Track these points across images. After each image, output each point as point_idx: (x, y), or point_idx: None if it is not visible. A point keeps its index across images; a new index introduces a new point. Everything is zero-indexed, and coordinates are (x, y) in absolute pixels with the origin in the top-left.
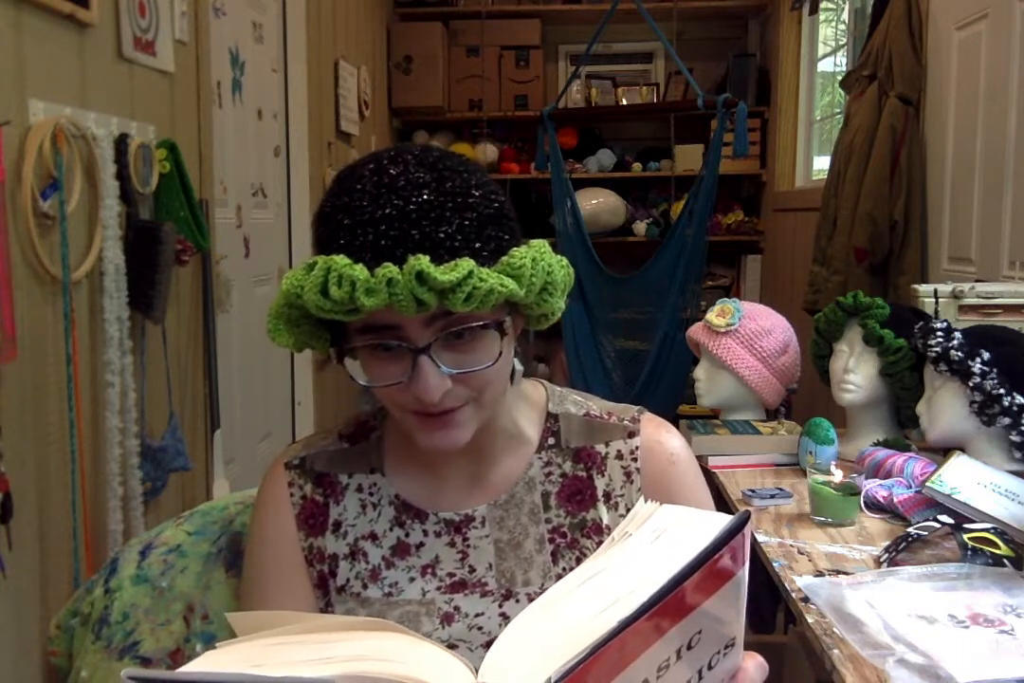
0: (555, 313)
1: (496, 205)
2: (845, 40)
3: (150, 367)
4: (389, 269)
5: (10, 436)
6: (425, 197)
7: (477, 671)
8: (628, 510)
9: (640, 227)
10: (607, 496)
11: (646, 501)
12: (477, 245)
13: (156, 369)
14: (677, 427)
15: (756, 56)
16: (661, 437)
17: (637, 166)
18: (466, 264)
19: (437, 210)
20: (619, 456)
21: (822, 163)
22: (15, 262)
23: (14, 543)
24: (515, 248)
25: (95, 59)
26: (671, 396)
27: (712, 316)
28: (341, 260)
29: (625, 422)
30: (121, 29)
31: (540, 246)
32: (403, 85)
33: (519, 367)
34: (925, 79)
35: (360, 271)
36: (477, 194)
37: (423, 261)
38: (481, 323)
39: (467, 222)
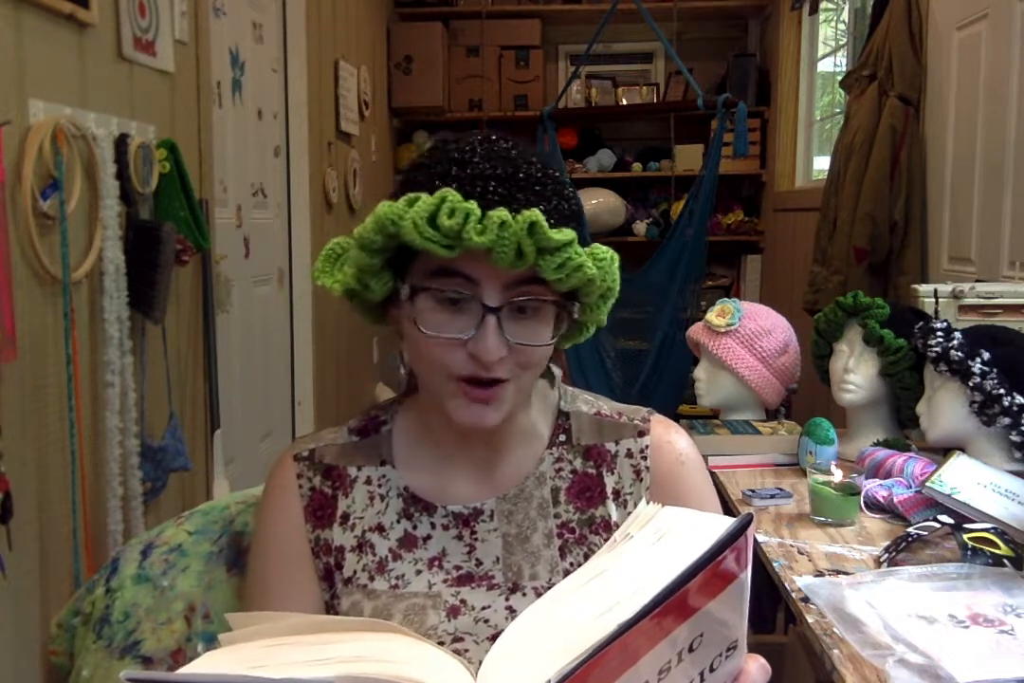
0: (593, 326)
1: (579, 207)
2: (845, 40)
3: (150, 367)
4: (503, 213)
5: (10, 436)
6: (532, 171)
7: (478, 670)
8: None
9: (640, 227)
10: (616, 493)
11: (650, 501)
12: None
13: (156, 369)
14: None
15: (756, 56)
16: (671, 437)
17: (637, 166)
18: (570, 232)
19: (540, 186)
20: (629, 454)
21: (822, 163)
22: (15, 262)
23: (14, 543)
24: (596, 244)
25: (95, 59)
26: (671, 396)
27: (712, 316)
28: (456, 194)
29: (635, 422)
30: (121, 29)
31: (614, 253)
32: (403, 85)
33: (557, 372)
34: (925, 79)
35: (475, 207)
36: (570, 191)
37: (539, 214)
38: (553, 299)
39: (562, 207)
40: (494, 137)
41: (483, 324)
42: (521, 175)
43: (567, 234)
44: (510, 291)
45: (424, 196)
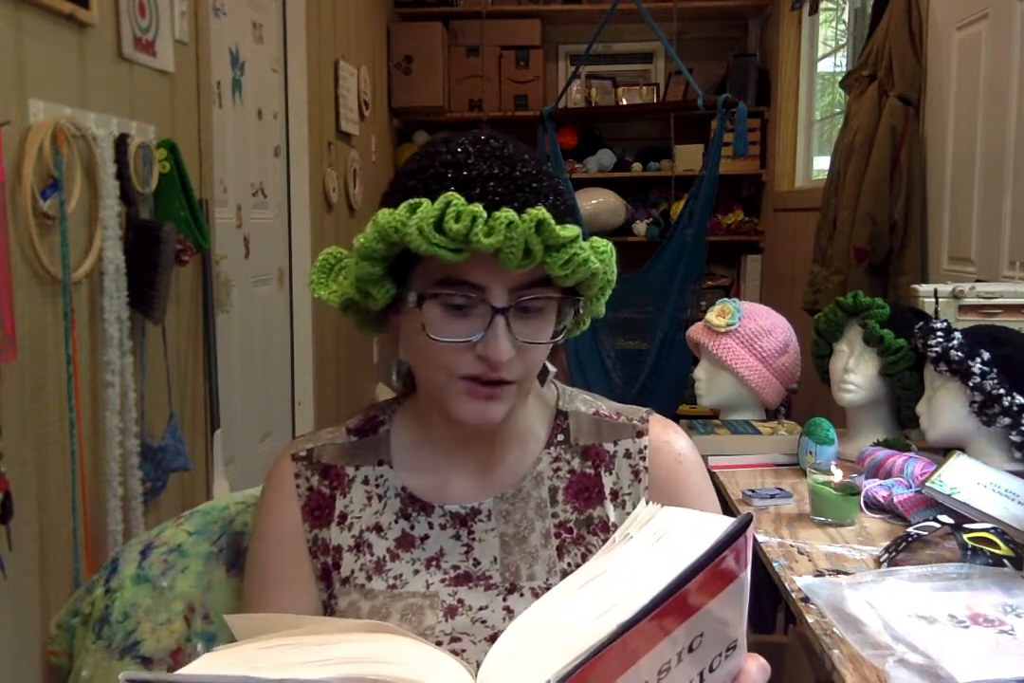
0: (590, 318)
1: (574, 202)
2: (845, 40)
3: (150, 367)
4: (509, 213)
5: (10, 436)
6: (527, 169)
7: (476, 670)
8: (635, 508)
9: (640, 227)
10: (614, 494)
11: (648, 502)
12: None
13: (156, 369)
14: None
15: (756, 56)
16: (669, 437)
17: (637, 166)
18: (575, 228)
19: (536, 183)
20: (627, 455)
21: (822, 163)
22: (15, 262)
23: (14, 543)
24: (594, 237)
25: (95, 59)
26: (671, 396)
27: (712, 316)
28: (460, 197)
29: (634, 422)
30: (121, 29)
31: (611, 245)
32: (403, 85)
33: (552, 369)
34: (925, 79)
35: (480, 210)
36: (563, 187)
37: (545, 212)
38: (558, 296)
39: (558, 202)
40: (484, 136)
41: (492, 325)
42: (518, 173)
43: (572, 230)
44: (515, 293)
45: (426, 202)
